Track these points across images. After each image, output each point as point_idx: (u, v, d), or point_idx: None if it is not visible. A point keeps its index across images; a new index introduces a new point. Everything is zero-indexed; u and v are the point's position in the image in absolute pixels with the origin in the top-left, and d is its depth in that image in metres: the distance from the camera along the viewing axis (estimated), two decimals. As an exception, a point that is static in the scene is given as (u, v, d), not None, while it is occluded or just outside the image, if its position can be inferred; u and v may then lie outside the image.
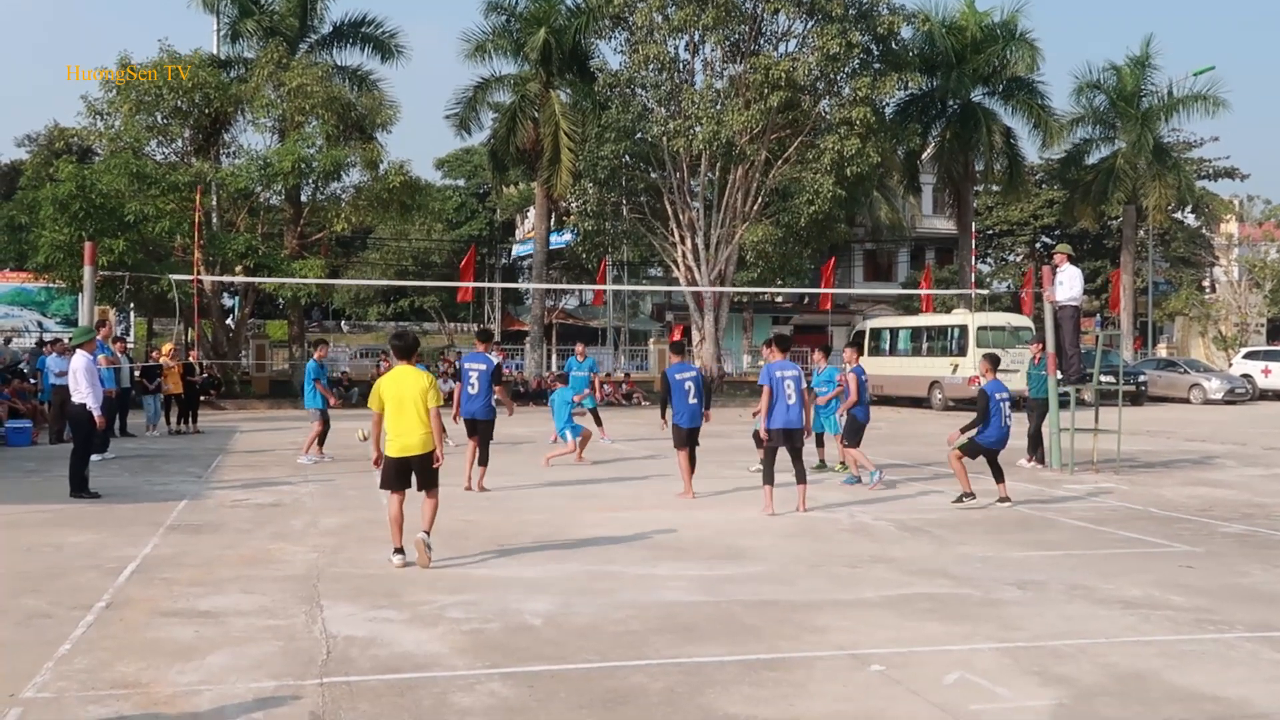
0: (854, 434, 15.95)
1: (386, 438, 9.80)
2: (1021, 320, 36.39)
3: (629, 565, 10.02)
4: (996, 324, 34.81)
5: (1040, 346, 18.78)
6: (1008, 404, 14.01)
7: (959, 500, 13.59)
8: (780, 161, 37.87)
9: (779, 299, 63.07)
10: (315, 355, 18.83)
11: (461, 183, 68.05)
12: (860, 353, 15.03)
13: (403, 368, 9.94)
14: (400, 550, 9.93)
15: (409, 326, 68.28)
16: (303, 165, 34.38)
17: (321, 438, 18.28)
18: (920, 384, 36.23)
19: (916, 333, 38.10)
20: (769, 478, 13.14)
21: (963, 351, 34.70)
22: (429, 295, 62.37)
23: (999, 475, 14.06)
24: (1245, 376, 42.43)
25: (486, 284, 56.97)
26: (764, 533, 11.76)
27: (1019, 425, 22.70)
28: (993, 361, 14.39)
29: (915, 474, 17.35)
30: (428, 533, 9.92)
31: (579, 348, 22.60)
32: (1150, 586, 9.28)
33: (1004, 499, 13.78)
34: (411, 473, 9.82)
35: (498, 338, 55.70)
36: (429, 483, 9.87)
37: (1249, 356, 44.57)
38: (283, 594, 8.85)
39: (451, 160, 68.28)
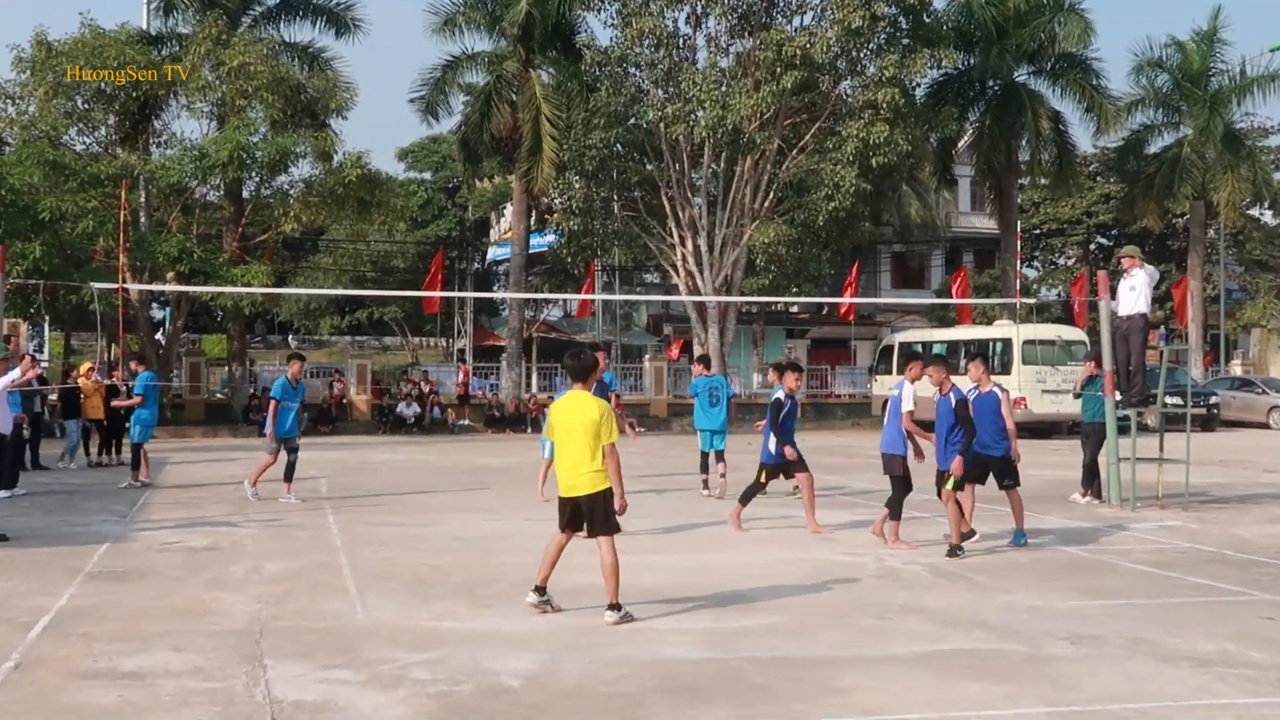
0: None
1: (557, 472, 9.94)
2: (1074, 333, 36.53)
3: (622, 617, 9.98)
4: (1045, 337, 34.95)
5: (1095, 364, 18.78)
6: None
7: (953, 553, 13.04)
8: (795, 151, 37.99)
9: (794, 309, 63.16)
10: (289, 372, 18.42)
11: (428, 176, 68.18)
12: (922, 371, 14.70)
13: (576, 393, 9.92)
14: (541, 589, 10.09)
15: (367, 339, 68.32)
16: (244, 156, 34.42)
17: (288, 472, 18.16)
18: (957, 407, 36.24)
19: (953, 348, 38.21)
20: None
21: (1006, 369, 34.77)
22: (390, 306, 62.43)
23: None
24: (1327, 390, 42.65)
25: (456, 293, 56.97)
26: (779, 578, 11.74)
27: (1073, 455, 22.63)
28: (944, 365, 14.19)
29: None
30: (614, 607, 9.78)
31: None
32: (1225, 641, 9.25)
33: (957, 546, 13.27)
34: (581, 516, 9.82)
35: (468, 354, 55.77)
36: (599, 527, 9.76)
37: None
38: (220, 652, 8.81)
39: (417, 150, 68.43)
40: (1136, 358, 17.66)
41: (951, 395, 13.76)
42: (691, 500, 18.54)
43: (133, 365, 21.54)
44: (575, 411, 9.70)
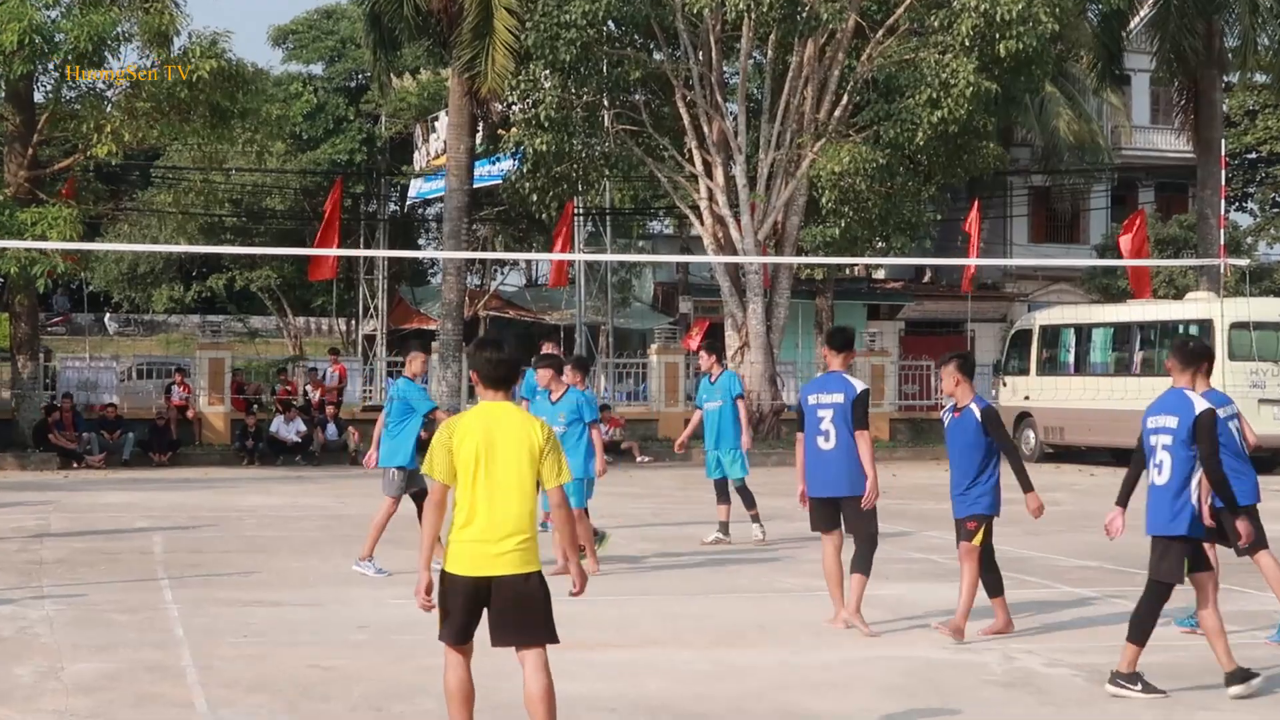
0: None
1: (450, 535, 9.14)
2: (1311, 312, 36.47)
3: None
4: (1267, 318, 34.89)
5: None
6: None
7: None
8: (882, 32, 37.91)
9: (879, 274, 63.10)
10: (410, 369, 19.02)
11: (318, 71, 67.96)
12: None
13: (495, 405, 9.30)
14: None
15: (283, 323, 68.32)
16: (37, 40, 34.41)
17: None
18: (1130, 424, 36.03)
19: (1122, 333, 38.17)
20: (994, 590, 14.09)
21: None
22: (261, 269, 62.27)
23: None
24: None
25: (362, 250, 56.82)
26: (849, 688, 11.76)
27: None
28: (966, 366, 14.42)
29: (1123, 585, 17.37)
30: None
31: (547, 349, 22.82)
32: None
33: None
34: (491, 609, 9.11)
35: (379, 342, 55.77)
36: (530, 634, 9.14)
37: None
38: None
39: (301, 30, 68.19)
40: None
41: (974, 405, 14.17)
42: (719, 569, 18.57)
43: None
44: (501, 435, 9.12)
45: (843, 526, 14.57)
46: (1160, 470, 12.30)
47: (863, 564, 14.27)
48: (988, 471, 13.83)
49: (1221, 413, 12.97)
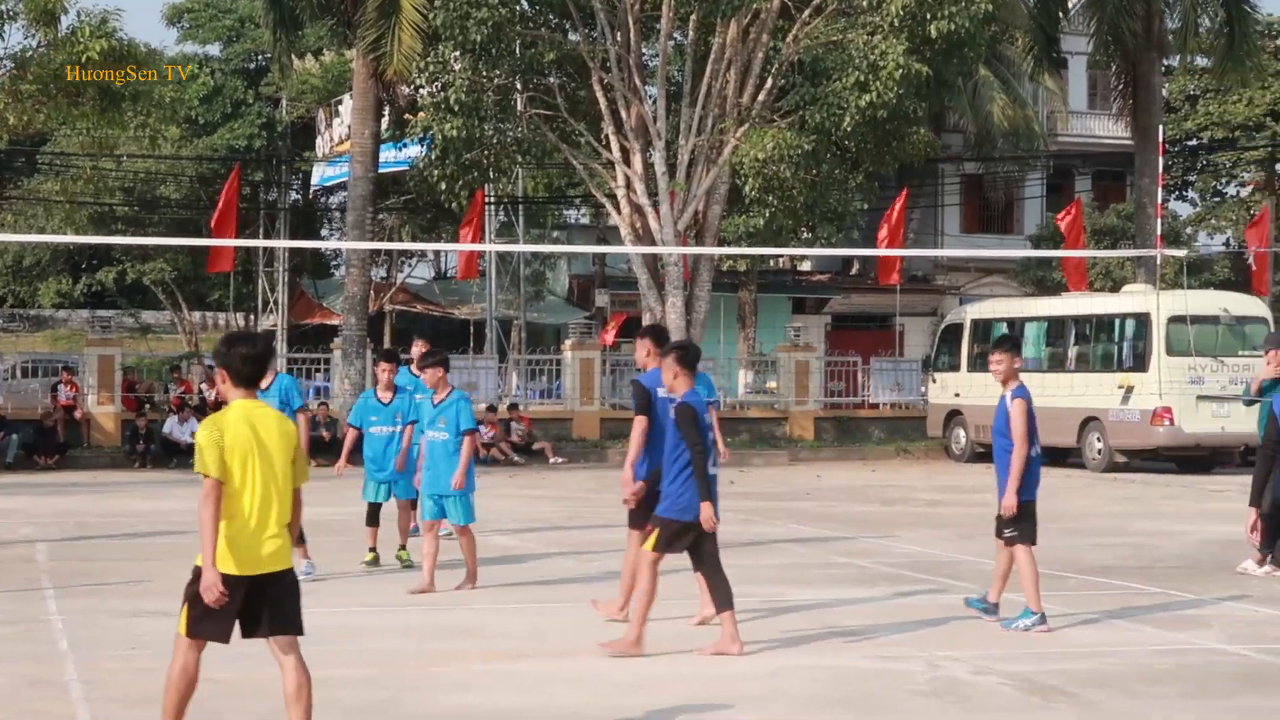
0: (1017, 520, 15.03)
1: (225, 534, 9.27)
2: (1250, 304, 36.81)
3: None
4: (1205, 311, 35.17)
5: (1281, 354, 18.96)
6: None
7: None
8: (808, 12, 37.99)
9: (804, 266, 63.27)
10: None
11: (215, 51, 67.65)
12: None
13: (253, 404, 9.54)
14: None
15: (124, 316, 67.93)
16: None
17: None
18: (1064, 423, 36.45)
19: (1056, 328, 38.43)
20: None
21: (1141, 363, 35.01)
22: (155, 261, 61.94)
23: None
24: None
25: (261, 241, 56.60)
26: (768, 699, 11.80)
27: (1246, 501, 22.97)
28: None
29: (1051, 590, 17.47)
30: None
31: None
32: None
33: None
34: (260, 607, 9.38)
35: (280, 338, 55.51)
36: (295, 625, 9.46)
37: None
38: None
39: (197, 9, 67.91)
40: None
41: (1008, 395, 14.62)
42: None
43: None
44: (265, 433, 9.43)
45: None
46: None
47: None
48: (684, 472, 13.51)
49: None
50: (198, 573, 9.24)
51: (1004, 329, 39.48)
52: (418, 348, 22.01)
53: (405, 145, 49.17)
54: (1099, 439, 35.90)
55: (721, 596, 13.56)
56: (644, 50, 39.61)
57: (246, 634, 9.40)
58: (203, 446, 9.22)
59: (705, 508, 13.14)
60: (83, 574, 18.57)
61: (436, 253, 64.32)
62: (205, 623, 9.29)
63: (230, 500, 9.26)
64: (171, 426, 39.04)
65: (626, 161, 39.10)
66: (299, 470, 9.50)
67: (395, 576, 17.90)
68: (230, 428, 9.32)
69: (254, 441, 9.31)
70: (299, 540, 16.86)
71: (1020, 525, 14.65)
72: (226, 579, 9.17)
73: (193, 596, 9.25)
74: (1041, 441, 37.70)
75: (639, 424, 14.28)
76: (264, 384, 17.47)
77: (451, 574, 17.27)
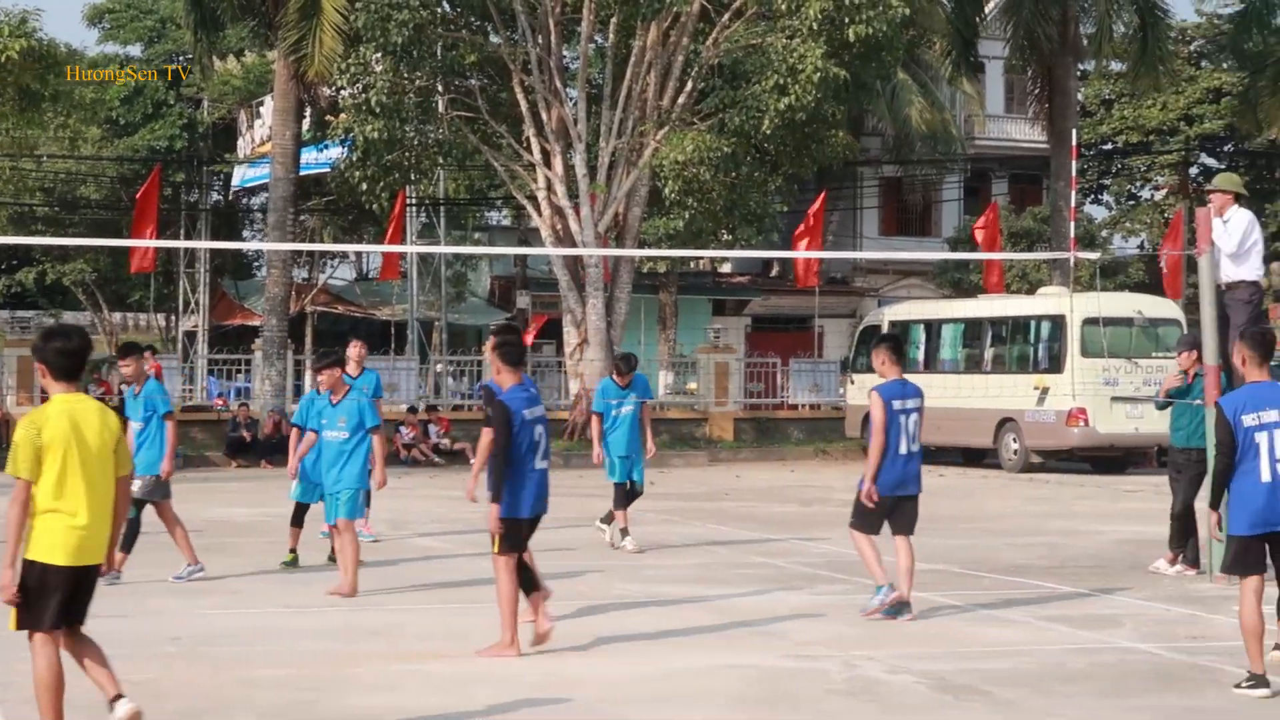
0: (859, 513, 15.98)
1: (42, 528, 9.51)
2: (1164, 307, 37.04)
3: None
4: (1119, 313, 35.38)
5: (1194, 355, 19.08)
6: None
7: None
8: (728, 15, 38.04)
9: (725, 267, 63.33)
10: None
11: (136, 52, 67.24)
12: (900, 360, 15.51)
13: (75, 398, 9.82)
14: None
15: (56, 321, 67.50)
16: None
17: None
18: (980, 423, 36.68)
19: (973, 330, 38.57)
20: None
21: (1057, 364, 35.20)
22: (75, 261, 61.55)
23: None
24: None
25: (182, 242, 56.23)
26: (688, 700, 11.80)
27: (1160, 501, 23.07)
28: None
29: (967, 587, 17.55)
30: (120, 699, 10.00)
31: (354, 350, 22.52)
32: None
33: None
34: (78, 597, 9.78)
35: (200, 339, 55.23)
36: (83, 615, 9.93)
37: None
38: None
39: (118, 9, 67.51)
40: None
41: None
42: (557, 577, 18.53)
43: None
44: (87, 426, 9.69)
45: None
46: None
47: None
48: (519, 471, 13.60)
49: None
50: (24, 568, 9.55)
51: (919, 332, 39.67)
52: (354, 349, 22.02)
53: (327, 147, 48.98)
54: (1015, 440, 36.07)
55: (525, 582, 13.67)
56: (565, 53, 39.62)
57: (57, 626, 9.67)
58: (18, 444, 9.43)
59: (493, 509, 13.26)
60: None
61: (358, 254, 64.02)
62: (40, 616, 9.58)
63: (50, 493, 9.45)
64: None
65: (547, 164, 39.09)
66: (121, 460, 9.73)
67: (315, 577, 17.82)
68: (49, 423, 9.52)
69: (74, 435, 9.51)
70: (123, 546, 16.93)
71: (859, 513, 15.65)
72: (53, 570, 9.46)
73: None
74: (959, 442, 38.02)
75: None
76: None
77: (377, 573, 17.25)
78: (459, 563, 19.49)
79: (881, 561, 15.37)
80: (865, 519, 15.61)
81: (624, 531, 20.85)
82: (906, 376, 16.14)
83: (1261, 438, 12.05)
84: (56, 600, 9.55)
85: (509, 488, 13.26)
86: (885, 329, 40.50)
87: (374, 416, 17.40)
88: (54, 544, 9.45)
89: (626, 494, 20.95)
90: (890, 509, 15.59)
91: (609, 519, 21.19)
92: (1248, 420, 12.03)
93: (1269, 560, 12.32)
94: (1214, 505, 12.20)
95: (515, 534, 13.42)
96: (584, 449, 38.16)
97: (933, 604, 16.37)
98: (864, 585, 17.50)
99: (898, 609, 15.24)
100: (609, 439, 20.85)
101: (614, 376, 21.48)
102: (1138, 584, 17.90)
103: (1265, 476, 11.99)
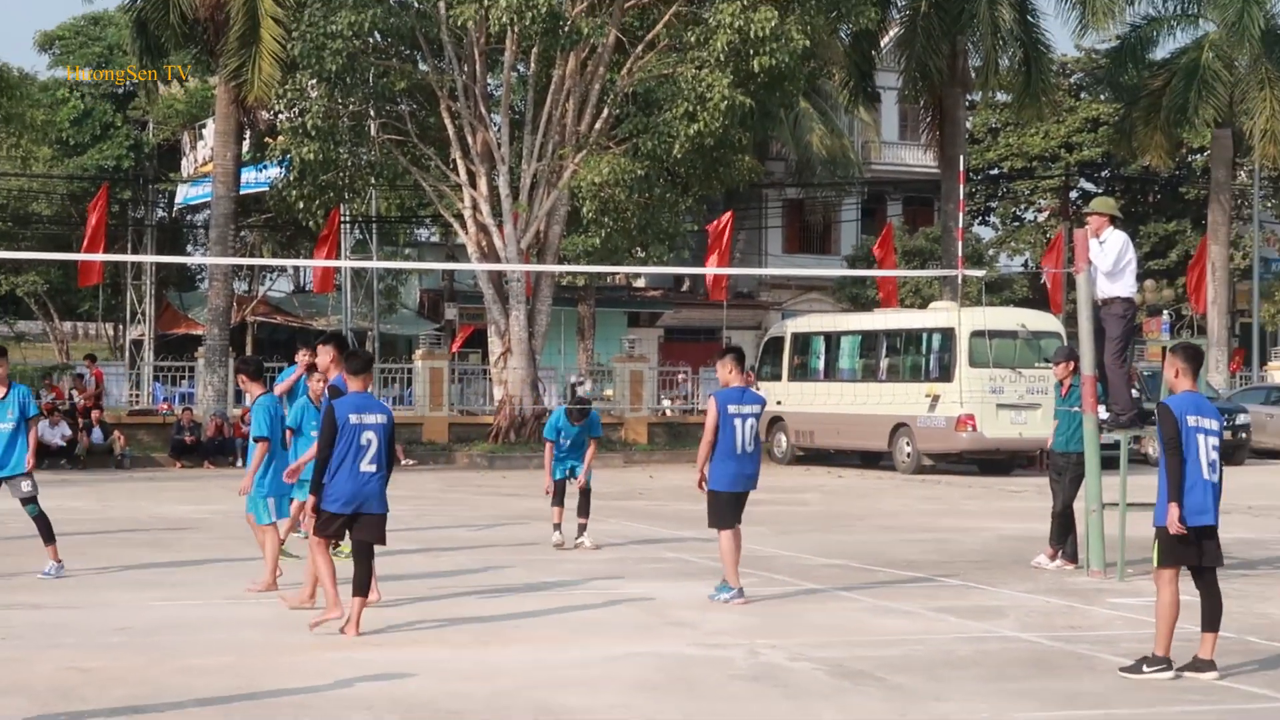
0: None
1: None
2: (1045, 321, 37.29)
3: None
4: (1004, 326, 35.60)
5: (1071, 366, 19.24)
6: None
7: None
8: (641, 47, 38.11)
9: (639, 282, 63.40)
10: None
11: (85, 77, 66.79)
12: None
13: None
14: None
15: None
16: None
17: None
18: (876, 428, 36.82)
19: (870, 341, 38.71)
20: None
21: (947, 373, 35.38)
22: (27, 273, 61.10)
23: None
24: None
25: (129, 256, 55.90)
26: (603, 685, 11.81)
27: (1041, 500, 23.21)
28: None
29: (863, 583, 17.62)
30: None
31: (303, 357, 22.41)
32: (1244, 767, 9.57)
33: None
34: None
35: (147, 347, 54.88)
36: None
37: None
38: None
39: (68, 36, 67.05)
40: (1115, 357, 18.10)
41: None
42: (483, 571, 18.56)
43: None
44: None
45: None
46: (1214, 468, 12.36)
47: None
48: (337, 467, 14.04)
49: None
50: None
51: (820, 343, 39.81)
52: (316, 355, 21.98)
53: (265, 167, 48.79)
54: (908, 444, 36.23)
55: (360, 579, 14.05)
56: (489, 80, 39.60)
57: None
58: None
59: (311, 498, 14.05)
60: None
61: (295, 268, 63.81)
62: None
63: None
64: (43, 430, 38.45)
65: (473, 184, 39.06)
66: None
67: (254, 568, 17.71)
68: None
69: None
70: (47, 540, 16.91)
71: (712, 512, 16.01)
72: None
73: None
74: (857, 446, 38.10)
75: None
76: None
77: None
78: (389, 559, 19.44)
79: (738, 565, 15.86)
80: (722, 515, 15.97)
81: (581, 528, 20.68)
82: (759, 385, 16.36)
83: (1200, 439, 12.26)
84: None
85: (328, 482, 13.80)
86: (788, 340, 40.67)
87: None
88: None
89: (562, 492, 20.80)
90: (737, 501, 16.06)
91: (581, 529, 20.80)
92: (1191, 421, 12.26)
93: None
94: (1175, 499, 12.26)
95: (326, 522, 13.94)
96: (507, 450, 38.39)
97: (832, 597, 16.46)
98: (771, 580, 17.62)
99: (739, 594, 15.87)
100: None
101: (569, 417, 20.91)
102: (1020, 578, 18.01)
103: (1204, 475, 12.22)
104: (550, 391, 44.43)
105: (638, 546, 21.27)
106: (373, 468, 13.98)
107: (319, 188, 39.62)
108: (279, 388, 18.58)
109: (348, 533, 14.27)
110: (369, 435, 13.88)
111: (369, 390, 14.67)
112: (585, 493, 20.80)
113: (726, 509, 15.92)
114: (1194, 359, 12.77)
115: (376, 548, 14.15)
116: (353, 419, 13.80)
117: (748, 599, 15.71)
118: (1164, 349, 48.45)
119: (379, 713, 10.76)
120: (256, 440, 16.59)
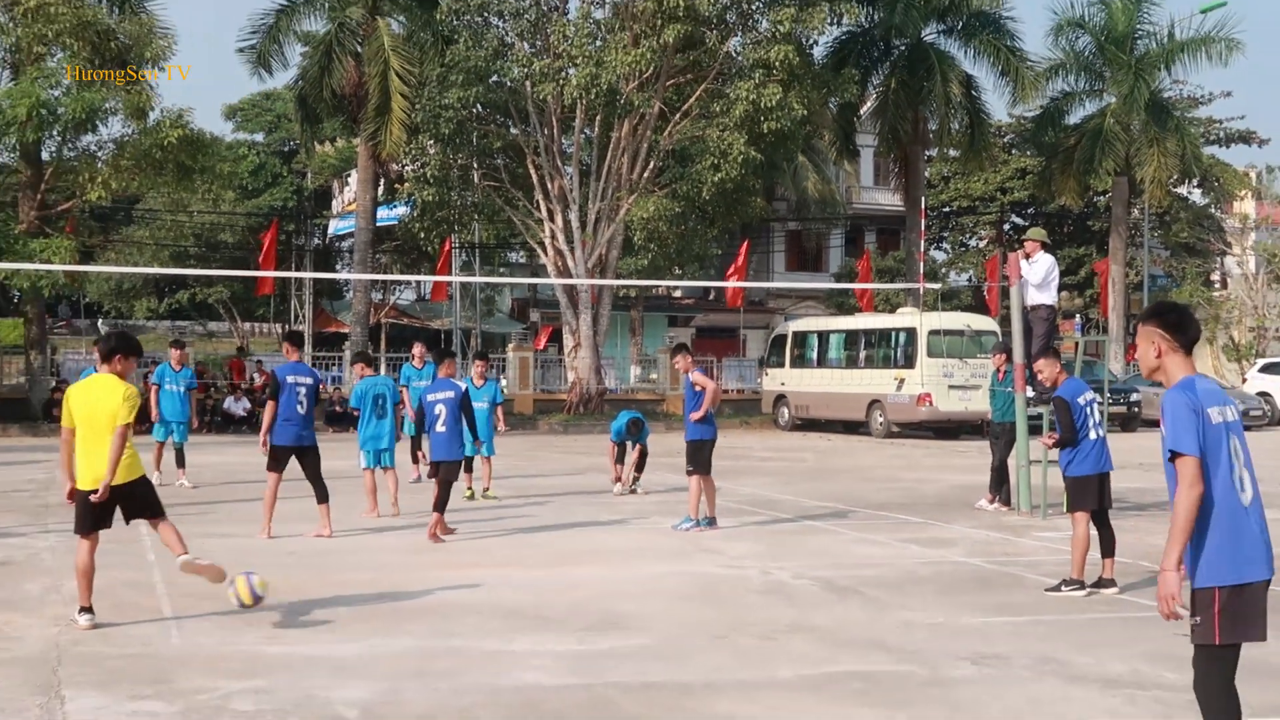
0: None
1: (77, 465, 10.22)
2: (985, 322, 37.13)
3: (478, 638, 10.03)
4: (953, 326, 35.53)
5: (1005, 356, 19.21)
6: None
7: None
8: (678, 115, 38.15)
9: (676, 293, 63.43)
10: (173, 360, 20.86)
11: (260, 138, 67.27)
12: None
13: (99, 377, 10.40)
14: (88, 610, 10.25)
15: (191, 327, 67.38)
16: (44, 112, 33.60)
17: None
18: (856, 404, 36.77)
19: (852, 337, 38.62)
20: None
21: (910, 362, 35.30)
22: (216, 286, 61.50)
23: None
24: (1263, 395, 43.62)
25: (293, 273, 56.21)
26: (652, 595, 11.85)
27: (982, 458, 23.11)
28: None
29: (847, 520, 17.62)
30: (187, 554, 10.38)
31: (417, 350, 22.77)
32: (1138, 660, 9.56)
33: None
34: (112, 509, 10.32)
35: (307, 341, 55.12)
36: (146, 510, 10.45)
37: (1267, 369, 45.82)
38: (10, 681, 8.67)
39: (247, 108, 67.52)
40: (1039, 349, 18.11)
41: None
42: (562, 509, 18.60)
43: None
44: (97, 397, 10.24)
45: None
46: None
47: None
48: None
49: None
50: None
51: (814, 339, 39.77)
52: (418, 348, 22.48)
53: (395, 206, 49.01)
54: (881, 415, 36.14)
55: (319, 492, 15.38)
56: (563, 140, 39.61)
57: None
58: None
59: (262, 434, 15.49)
60: (168, 507, 18.35)
61: (418, 282, 64.05)
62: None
63: (79, 442, 10.32)
64: (229, 403, 38.70)
65: (551, 219, 39.14)
66: (122, 413, 10.24)
67: (408, 516, 17.70)
68: (75, 395, 10.49)
69: (89, 402, 10.32)
70: None
71: (693, 461, 16.54)
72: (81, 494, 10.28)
73: None
74: (841, 416, 37.89)
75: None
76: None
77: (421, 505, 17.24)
78: (491, 509, 19.49)
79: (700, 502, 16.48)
80: (700, 464, 16.58)
81: (635, 479, 20.86)
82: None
83: (1090, 410, 12.34)
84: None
85: (276, 425, 15.21)
86: (790, 337, 40.63)
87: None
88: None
89: (623, 452, 20.98)
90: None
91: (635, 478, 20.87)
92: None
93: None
94: (1065, 444, 12.33)
95: (275, 457, 15.37)
96: (577, 420, 38.41)
97: (824, 530, 16.45)
98: (778, 516, 17.62)
99: (709, 523, 16.43)
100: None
101: (628, 431, 20.78)
102: (967, 517, 17.99)
103: (1092, 435, 12.25)
104: (609, 374, 44.50)
105: (679, 493, 21.28)
106: (443, 429, 15.20)
107: (435, 222, 39.89)
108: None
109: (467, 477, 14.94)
110: (303, 393, 15.11)
111: (451, 375, 16.42)
112: (643, 455, 20.91)
113: (705, 458, 16.63)
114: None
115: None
116: (290, 379, 15.21)
117: (702, 528, 16.24)
118: (1133, 323, 48.37)
119: (485, 617, 10.80)
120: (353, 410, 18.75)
